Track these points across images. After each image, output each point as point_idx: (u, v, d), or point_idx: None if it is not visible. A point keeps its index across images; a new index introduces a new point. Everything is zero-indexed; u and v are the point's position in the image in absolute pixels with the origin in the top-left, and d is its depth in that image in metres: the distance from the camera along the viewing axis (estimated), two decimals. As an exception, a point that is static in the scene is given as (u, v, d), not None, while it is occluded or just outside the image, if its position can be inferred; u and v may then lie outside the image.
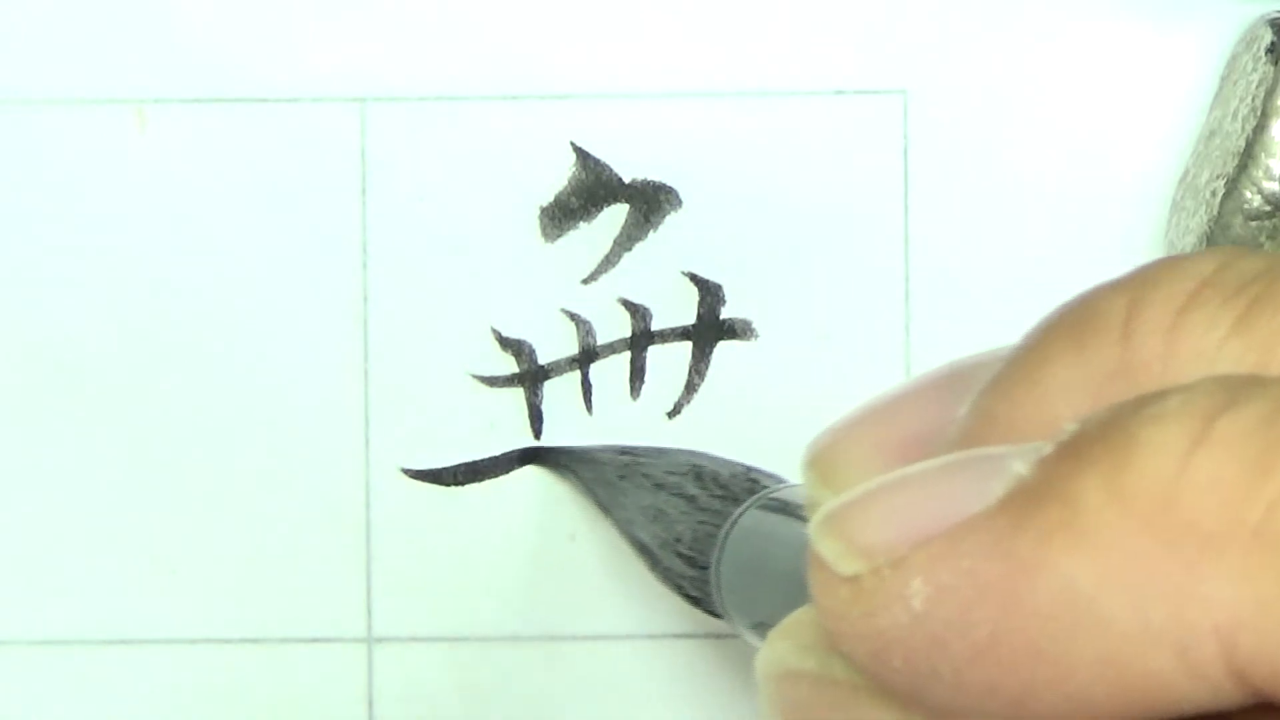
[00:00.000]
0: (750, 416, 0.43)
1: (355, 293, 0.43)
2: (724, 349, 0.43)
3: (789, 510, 0.33)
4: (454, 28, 0.43)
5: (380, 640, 0.43)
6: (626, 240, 0.43)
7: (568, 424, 0.43)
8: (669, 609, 0.43)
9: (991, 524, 0.19)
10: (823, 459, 0.22)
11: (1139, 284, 0.20)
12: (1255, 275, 0.20)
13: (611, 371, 0.43)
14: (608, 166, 0.43)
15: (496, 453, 0.43)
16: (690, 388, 0.43)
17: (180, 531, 0.43)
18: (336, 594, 0.43)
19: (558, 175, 0.43)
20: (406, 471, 0.43)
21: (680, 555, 0.37)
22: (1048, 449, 0.19)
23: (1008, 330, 0.43)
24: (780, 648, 0.22)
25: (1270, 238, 0.40)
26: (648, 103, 0.43)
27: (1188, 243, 0.41)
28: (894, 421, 0.22)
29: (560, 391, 0.43)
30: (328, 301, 0.43)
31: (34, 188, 0.43)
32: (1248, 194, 0.40)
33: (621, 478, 0.39)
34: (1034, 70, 0.42)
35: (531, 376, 0.43)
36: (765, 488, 0.36)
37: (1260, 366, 0.19)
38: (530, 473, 0.43)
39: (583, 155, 0.43)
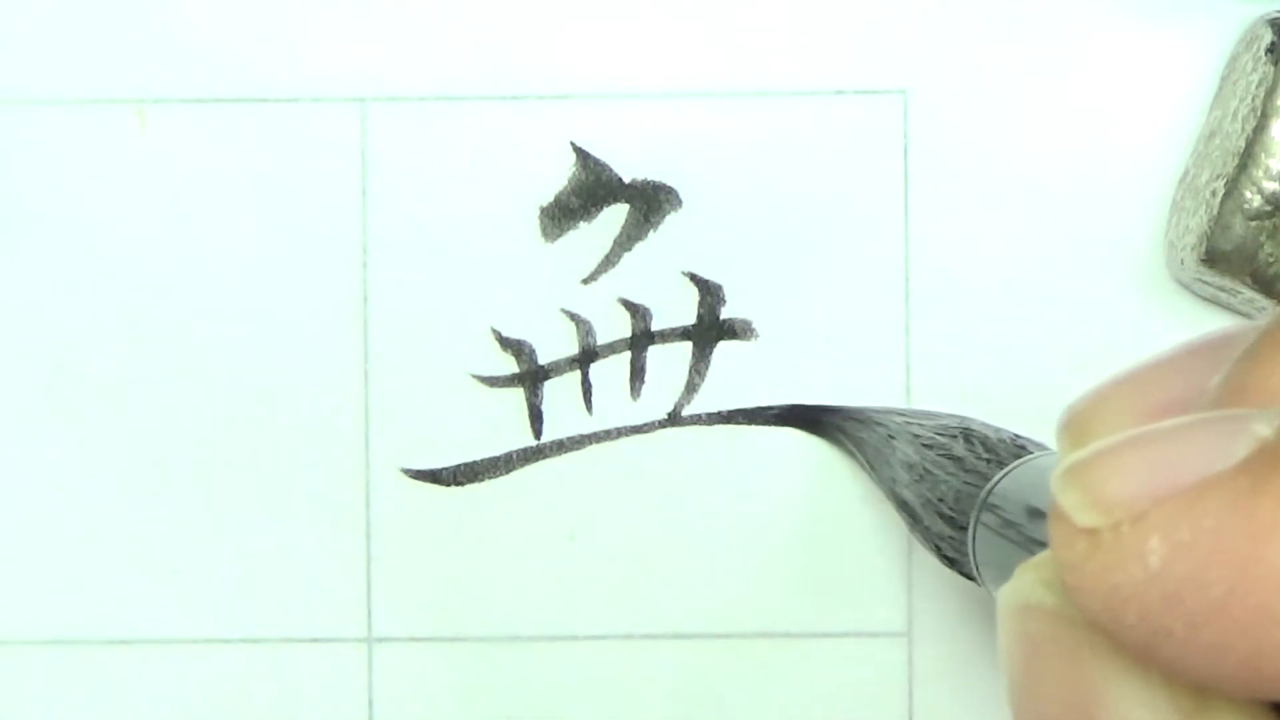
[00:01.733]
0: (750, 416, 0.43)
1: (355, 293, 0.43)
2: (724, 349, 0.43)
3: (1049, 475, 0.33)
4: (454, 28, 0.43)
5: (380, 640, 0.43)
6: (626, 240, 0.43)
7: (568, 424, 0.43)
8: (669, 609, 0.43)
9: (1232, 484, 0.19)
10: (1077, 421, 0.23)
11: None
12: None
13: (611, 371, 0.43)
14: (608, 166, 0.43)
15: (496, 453, 0.43)
16: (690, 388, 0.43)
17: (180, 531, 0.43)
18: (336, 594, 0.43)
19: (558, 175, 0.43)
20: (406, 471, 0.43)
21: (941, 515, 0.37)
22: None
23: (1008, 330, 0.44)
24: (1025, 580, 0.22)
25: (1270, 238, 0.40)
26: (648, 103, 0.43)
27: (1188, 243, 0.41)
28: (1149, 388, 0.22)
29: (560, 391, 0.43)
30: (328, 301, 0.43)
31: (34, 188, 0.43)
32: (1248, 194, 0.40)
33: (891, 437, 0.39)
34: (1034, 70, 0.42)
35: (531, 376, 0.43)
36: (1031, 454, 0.37)
37: None
38: (530, 472, 0.43)
39: (583, 155, 0.43)
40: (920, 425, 0.39)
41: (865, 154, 0.43)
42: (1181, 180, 0.42)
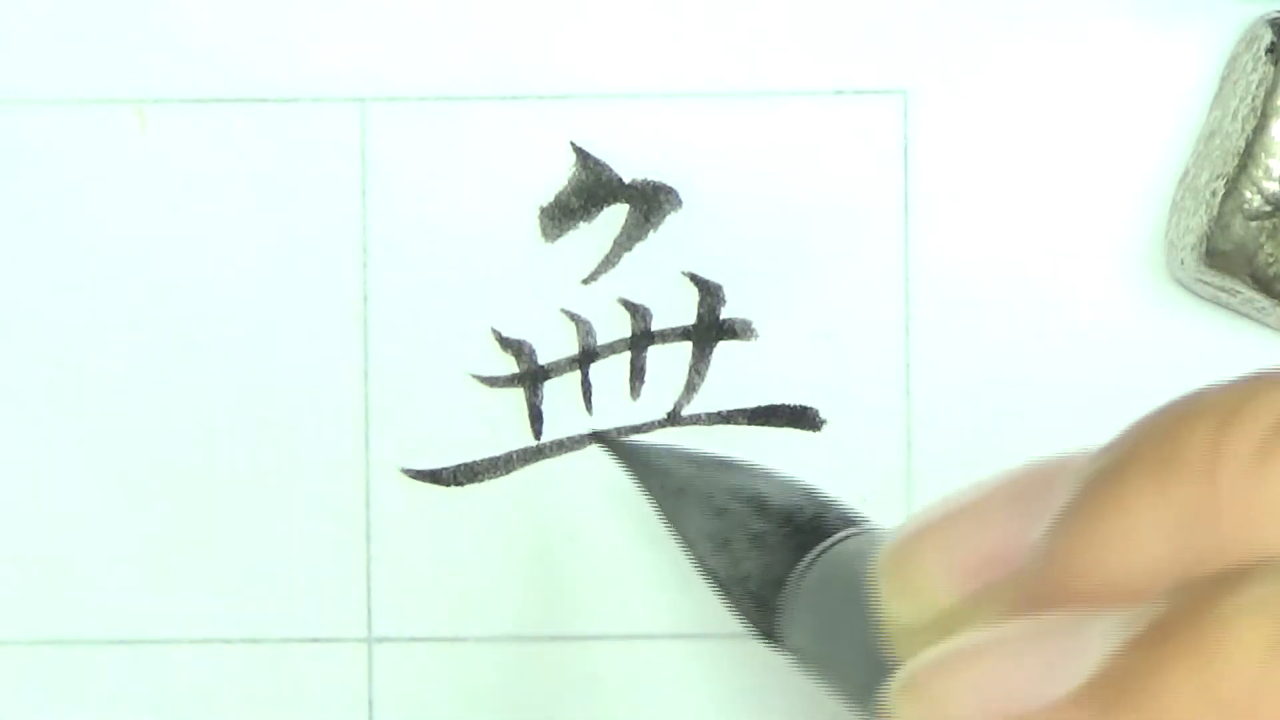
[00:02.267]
0: (750, 416, 0.43)
1: (355, 293, 0.43)
2: (724, 349, 0.43)
3: (858, 563, 0.32)
4: (454, 28, 0.43)
5: (380, 640, 0.43)
6: (626, 240, 0.43)
7: (568, 424, 0.43)
8: (669, 609, 0.43)
9: (1076, 713, 0.19)
10: (898, 570, 0.22)
11: (1220, 415, 0.19)
12: None
13: (611, 371, 0.43)
14: (608, 166, 0.43)
15: (496, 453, 0.43)
16: (690, 388, 0.43)
17: (180, 531, 0.43)
18: (336, 594, 0.43)
19: (558, 175, 0.43)
20: (406, 471, 0.43)
21: (749, 593, 0.37)
22: (1134, 628, 0.19)
23: (1008, 330, 0.44)
24: None
25: (1270, 238, 0.40)
26: (648, 103, 0.43)
27: (1188, 243, 0.41)
28: (968, 536, 0.22)
29: (560, 391, 0.43)
30: (328, 301, 0.43)
31: (34, 188, 0.43)
32: (1248, 194, 0.40)
33: (681, 491, 0.38)
34: (1034, 70, 0.42)
35: (531, 376, 0.43)
36: (831, 525, 0.36)
37: None
38: (530, 473, 0.43)
39: (583, 155, 0.43)
40: (712, 483, 0.38)
41: (865, 154, 0.43)
42: (1181, 180, 0.42)
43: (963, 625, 0.21)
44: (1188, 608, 0.18)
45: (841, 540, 0.34)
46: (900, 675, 0.20)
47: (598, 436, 0.42)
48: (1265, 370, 0.20)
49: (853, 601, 0.29)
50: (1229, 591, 0.18)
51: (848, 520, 0.35)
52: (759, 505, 0.36)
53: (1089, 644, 0.19)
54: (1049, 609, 0.20)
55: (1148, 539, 0.19)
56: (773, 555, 0.35)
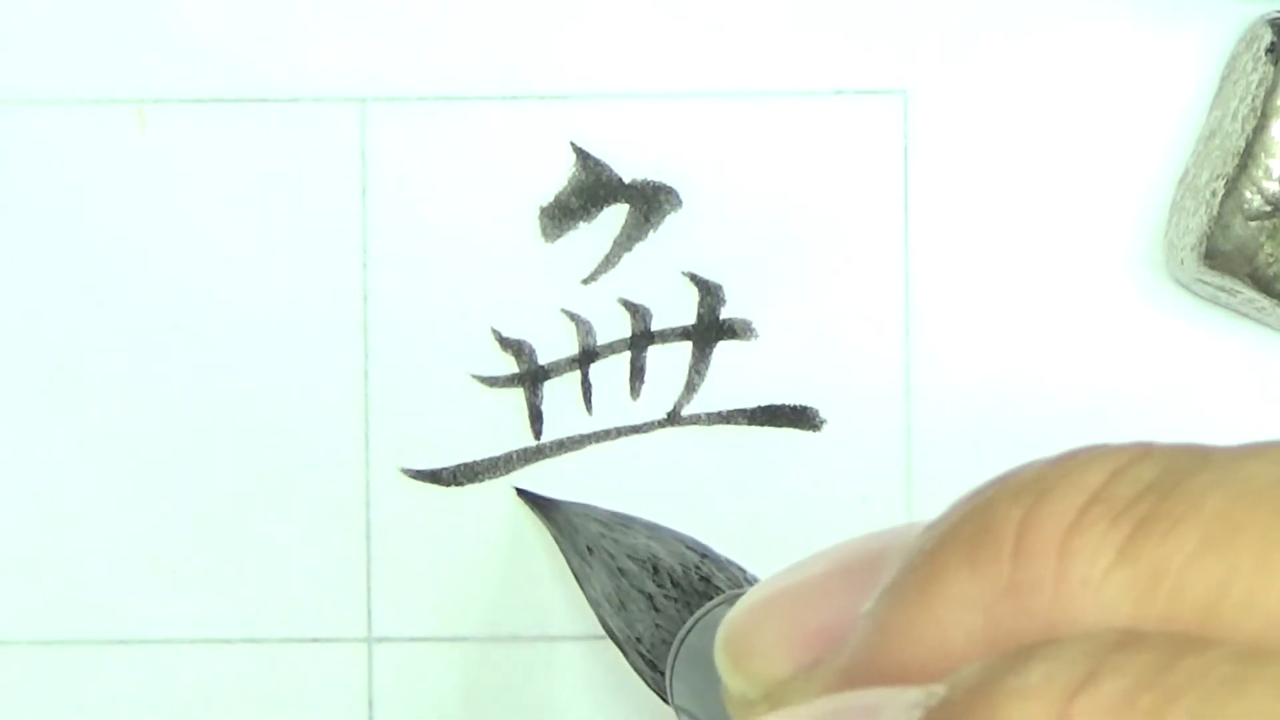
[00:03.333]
0: (750, 417, 0.43)
1: (355, 293, 0.43)
2: (724, 349, 0.43)
3: None
4: (454, 28, 0.43)
5: (380, 640, 0.43)
6: (626, 240, 0.43)
7: (568, 424, 0.43)
8: (669, 609, 0.43)
9: None
10: (734, 644, 0.23)
11: (1032, 494, 0.20)
12: (1145, 489, 0.19)
13: (611, 371, 0.43)
14: (608, 166, 0.43)
15: (496, 453, 0.43)
16: (690, 388, 0.43)
17: (180, 531, 0.43)
18: (336, 594, 0.43)
19: (558, 175, 0.43)
20: (406, 471, 0.43)
21: (641, 655, 0.38)
22: (922, 708, 0.19)
23: (1007, 330, 0.44)
24: None
25: (1270, 238, 0.40)
26: (648, 103, 0.43)
27: (1188, 243, 0.41)
28: (803, 613, 0.22)
29: (560, 391, 0.43)
30: (328, 301, 0.43)
31: (34, 188, 0.43)
32: (1248, 194, 0.40)
33: (590, 551, 0.39)
34: (1034, 70, 0.42)
35: (531, 376, 0.43)
36: (719, 588, 0.37)
37: (1143, 601, 0.19)
38: (530, 473, 0.43)
39: (583, 155, 0.43)
40: (614, 543, 0.39)
41: (865, 154, 0.43)
42: (1181, 180, 0.42)
43: (794, 699, 0.22)
44: (971, 688, 0.19)
45: (720, 604, 0.35)
46: None
47: (521, 490, 0.42)
48: (1078, 449, 0.20)
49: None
50: (1007, 672, 0.19)
51: (737, 582, 0.36)
52: (653, 567, 0.38)
53: None
54: (870, 684, 0.20)
55: (960, 616, 0.20)
56: (663, 617, 0.37)
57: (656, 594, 0.37)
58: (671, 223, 0.43)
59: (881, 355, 0.43)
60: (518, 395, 0.43)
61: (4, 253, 0.43)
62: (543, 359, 0.43)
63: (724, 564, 0.38)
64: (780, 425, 0.43)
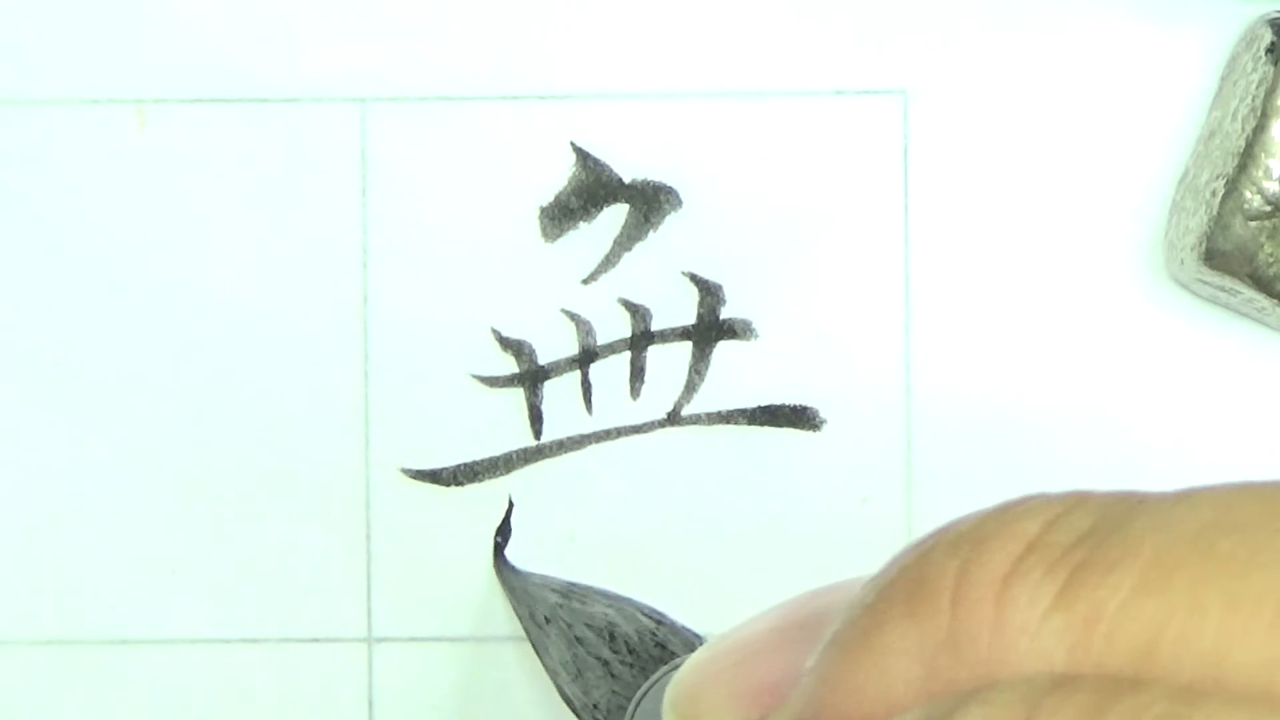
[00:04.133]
0: (750, 417, 0.43)
1: (355, 293, 0.43)
2: (724, 349, 0.43)
3: None
4: (454, 28, 0.43)
5: (380, 640, 0.43)
6: (626, 240, 0.43)
7: (568, 424, 0.43)
8: (669, 609, 0.43)
9: None
10: (682, 703, 0.23)
11: (969, 544, 0.20)
12: (1080, 537, 0.20)
13: (611, 371, 0.43)
14: (608, 166, 0.43)
15: (496, 453, 0.43)
16: (690, 388, 0.43)
17: (180, 531, 0.43)
18: (336, 594, 0.43)
19: (558, 175, 0.43)
20: (406, 471, 0.43)
21: None
22: None
23: (1007, 330, 0.44)
24: None
25: (1270, 238, 0.40)
26: (648, 103, 0.43)
27: (1188, 243, 0.41)
28: (748, 670, 0.23)
29: (560, 391, 0.43)
30: (328, 301, 0.43)
31: (34, 188, 0.43)
32: (1248, 194, 0.40)
33: (548, 620, 0.40)
34: (1034, 70, 0.42)
35: (531, 376, 0.43)
36: (672, 653, 0.37)
37: (1079, 646, 0.19)
38: (530, 473, 0.43)
39: (583, 155, 0.43)
40: (572, 611, 0.39)
41: (865, 154, 0.43)
42: (1181, 180, 0.42)
43: None
44: None
45: (674, 669, 0.35)
46: None
47: (497, 559, 0.42)
48: (1015, 499, 0.21)
49: None
50: (945, 717, 0.19)
51: (692, 648, 0.37)
52: (610, 634, 0.38)
53: None
54: None
55: (901, 667, 0.20)
56: (619, 683, 0.37)
57: (613, 661, 0.38)
58: (671, 223, 0.43)
59: (881, 355, 0.43)
60: (518, 395, 0.43)
61: (4, 253, 0.43)
62: (543, 359, 0.43)
63: (679, 630, 0.38)
64: (780, 425, 0.43)
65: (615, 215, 0.43)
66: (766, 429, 0.43)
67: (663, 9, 0.43)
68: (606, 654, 0.38)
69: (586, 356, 0.43)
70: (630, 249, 0.43)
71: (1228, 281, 0.41)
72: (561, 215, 0.43)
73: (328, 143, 0.43)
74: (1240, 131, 0.40)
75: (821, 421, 0.43)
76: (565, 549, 0.43)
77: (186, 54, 0.43)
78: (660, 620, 0.39)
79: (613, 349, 0.43)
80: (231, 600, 0.43)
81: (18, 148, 0.43)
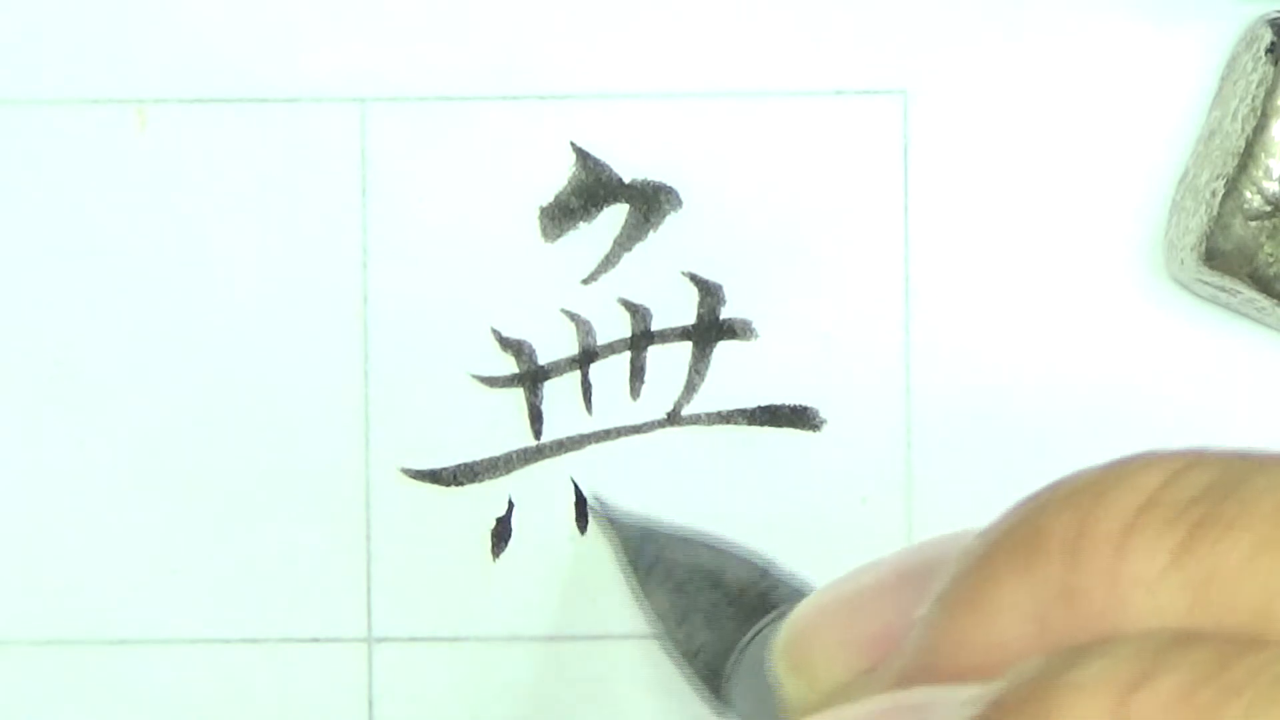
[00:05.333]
0: (750, 417, 0.43)
1: (355, 293, 0.43)
2: (724, 349, 0.43)
3: None
4: (454, 28, 0.43)
5: (380, 640, 0.43)
6: (626, 240, 0.43)
7: (568, 424, 0.43)
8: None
9: None
10: (793, 649, 0.23)
11: (1087, 500, 0.20)
12: (1200, 492, 0.20)
13: (611, 371, 0.43)
14: (608, 166, 0.43)
15: (496, 453, 0.43)
16: (690, 388, 0.43)
17: (180, 531, 0.43)
18: (336, 594, 0.43)
19: (558, 175, 0.43)
20: (406, 471, 0.43)
21: (704, 665, 0.38)
22: (975, 709, 0.19)
23: (1007, 330, 0.44)
24: None
25: (1270, 238, 0.40)
26: (648, 103, 0.43)
27: (1188, 243, 0.41)
28: (860, 618, 0.23)
29: (560, 391, 0.43)
30: (328, 301, 0.43)
31: (34, 188, 0.43)
32: (1248, 194, 0.40)
33: (650, 570, 0.40)
34: (1034, 70, 0.42)
35: (531, 376, 0.43)
36: (776, 603, 0.37)
37: (1197, 603, 0.19)
38: (530, 473, 0.43)
39: (583, 155, 0.43)
40: (676, 559, 0.40)
41: (865, 154, 0.43)
42: (1181, 180, 0.42)
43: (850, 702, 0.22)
44: (1028, 683, 0.19)
45: (779, 618, 0.35)
46: None
47: (596, 508, 0.42)
48: (1132, 455, 0.21)
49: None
50: (1064, 667, 0.19)
51: (798, 597, 0.37)
52: (715, 580, 0.38)
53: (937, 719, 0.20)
54: (924, 686, 0.21)
55: (1013, 619, 0.20)
56: (724, 628, 0.37)
57: (717, 605, 0.38)
58: (671, 223, 0.43)
59: (881, 355, 0.43)
60: (518, 395, 0.43)
61: (4, 253, 0.43)
62: (543, 359, 0.43)
63: (784, 579, 0.38)
64: (780, 425, 0.43)
65: (615, 215, 0.43)
66: (766, 429, 0.43)
67: (663, 9, 0.43)
68: (712, 599, 0.38)
69: (586, 356, 0.43)
70: (630, 249, 0.43)
71: (1228, 281, 0.41)
72: (561, 215, 0.43)
73: (328, 143, 0.43)
74: (1240, 131, 0.40)
75: (821, 421, 0.43)
76: (565, 549, 0.43)
77: (186, 54, 0.43)
78: (766, 570, 0.39)
79: (613, 349, 0.43)
80: (231, 600, 0.43)
81: (18, 148, 0.43)
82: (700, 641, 0.38)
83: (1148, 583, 0.19)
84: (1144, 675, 0.18)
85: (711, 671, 0.38)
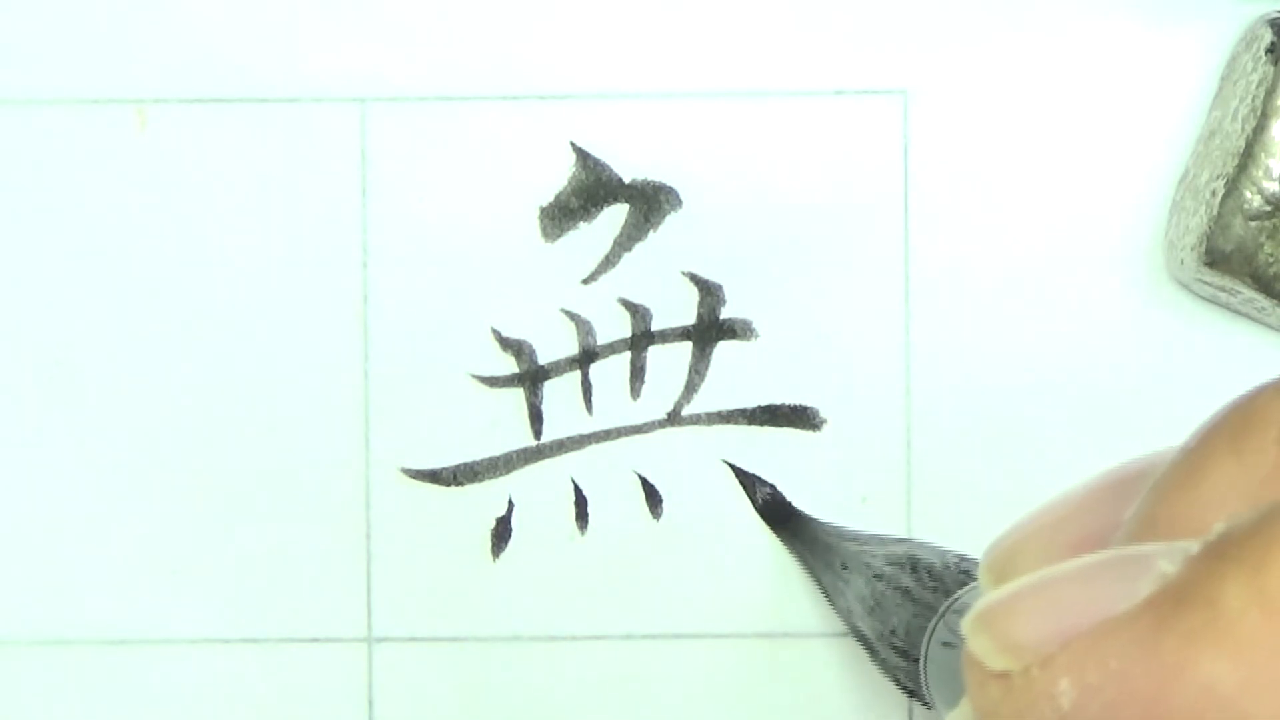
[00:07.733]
0: (750, 416, 0.43)
1: (355, 293, 0.43)
2: (724, 349, 0.43)
3: None
4: (454, 28, 0.43)
5: (380, 640, 0.43)
6: (626, 240, 0.43)
7: (568, 424, 0.43)
8: (670, 609, 0.43)
9: (1136, 624, 0.19)
10: (999, 562, 0.23)
11: None
12: None
13: (611, 371, 0.43)
14: (608, 166, 0.43)
15: (496, 453, 0.43)
16: (690, 388, 0.43)
17: (180, 531, 0.43)
18: (336, 594, 0.43)
19: (558, 175, 0.43)
20: (406, 471, 0.43)
21: (894, 647, 0.38)
22: (1195, 548, 0.19)
23: (1008, 330, 0.44)
24: None
25: (1270, 238, 0.40)
26: (648, 103, 0.43)
27: (1188, 243, 0.41)
28: (1067, 524, 0.23)
29: (560, 391, 0.43)
30: (328, 301, 0.43)
31: (34, 188, 0.43)
32: (1248, 194, 0.40)
33: (845, 566, 0.40)
34: (1034, 70, 0.42)
35: (531, 376, 0.43)
36: (975, 582, 0.38)
37: None
38: (530, 473, 0.43)
39: (583, 155, 0.43)
40: (871, 554, 0.40)
41: (865, 154, 0.43)
42: (1181, 180, 0.42)
43: None
44: (1247, 523, 0.19)
45: (975, 587, 0.36)
46: (975, 607, 0.21)
47: (776, 512, 0.43)
48: None
49: None
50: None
51: None
52: (911, 564, 0.39)
53: (1152, 568, 0.20)
54: None
55: (1227, 496, 0.20)
56: (919, 606, 0.37)
57: (914, 587, 0.38)
58: (671, 223, 0.43)
59: (881, 355, 0.43)
60: (518, 395, 0.43)
61: (4, 252, 0.43)
62: (543, 359, 0.43)
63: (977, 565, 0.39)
64: (780, 425, 0.43)
65: (615, 215, 0.43)
66: (766, 429, 0.43)
67: (663, 9, 0.43)
68: (908, 582, 0.39)
69: (586, 356, 0.43)
70: (630, 249, 0.43)
71: (1228, 281, 0.41)
72: (561, 215, 0.43)
73: (328, 143, 0.43)
74: (1240, 131, 0.40)
75: (821, 421, 0.43)
76: (565, 549, 0.43)
77: (186, 54, 0.43)
78: (964, 555, 0.39)
79: (613, 349, 0.43)
80: (231, 600, 0.43)
81: (18, 148, 0.43)
82: (895, 622, 0.38)
83: None
84: None
85: (901, 653, 0.38)
